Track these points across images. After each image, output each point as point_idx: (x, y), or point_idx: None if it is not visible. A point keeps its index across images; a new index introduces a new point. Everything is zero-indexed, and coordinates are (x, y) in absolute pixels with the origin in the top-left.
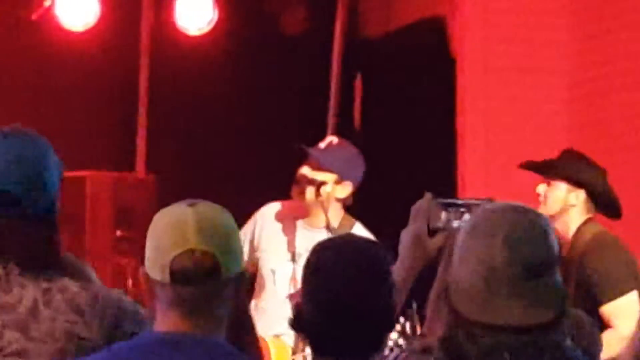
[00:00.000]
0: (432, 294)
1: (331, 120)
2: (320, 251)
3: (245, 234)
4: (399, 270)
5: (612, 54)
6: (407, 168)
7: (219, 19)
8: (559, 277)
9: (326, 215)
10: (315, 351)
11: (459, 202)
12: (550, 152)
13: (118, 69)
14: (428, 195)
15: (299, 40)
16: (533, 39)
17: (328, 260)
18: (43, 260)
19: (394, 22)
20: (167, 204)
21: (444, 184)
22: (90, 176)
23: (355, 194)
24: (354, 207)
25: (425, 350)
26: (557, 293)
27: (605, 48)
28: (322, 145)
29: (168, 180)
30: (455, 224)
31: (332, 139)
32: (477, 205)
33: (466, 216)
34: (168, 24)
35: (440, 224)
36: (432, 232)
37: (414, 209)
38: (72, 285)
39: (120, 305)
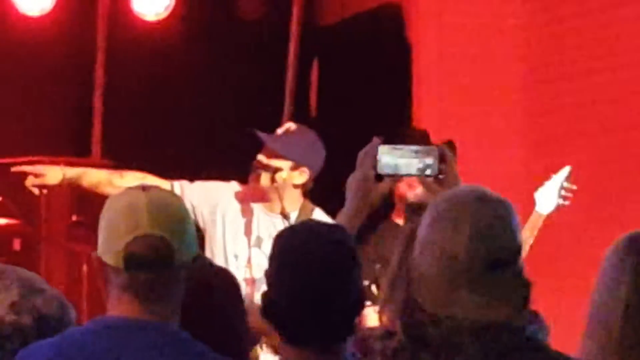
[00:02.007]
0: (385, 281)
1: (287, 106)
2: (283, 238)
3: (217, 188)
4: (346, 215)
5: (566, 40)
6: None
7: (176, 3)
8: (520, 265)
9: (281, 202)
10: (284, 339)
11: (406, 147)
12: (507, 139)
13: (75, 54)
14: (375, 141)
15: (255, 26)
16: (488, 26)
17: (292, 247)
18: None
19: (351, 9)
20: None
21: None
22: (46, 161)
23: (315, 179)
24: (313, 193)
25: (388, 335)
26: (519, 284)
27: (560, 34)
28: (279, 131)
29: (124, 165)
30: (402, 169)
31: (290, 125)
32: (425, 150)
33: (412, 161)
34: (125, 9)
35: (387, 170)
36: (379, 177)
37: (361, 153)
38: None
39: (26, 283)
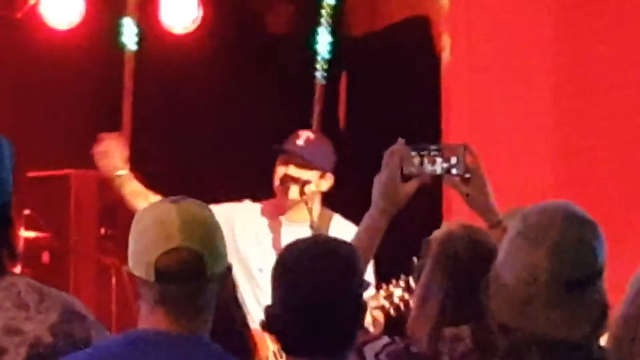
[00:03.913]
0: (419, 288)
1: (316, 120)
2: (288, 252)
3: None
4: (372, 217)
5: (596, 51)
6: None
7: (204, 17)
8: (601, 287)
9: (310, 214)
10: (286, 352)
11: (433, 147)
12: (537, 151)
13: (102, 67)
14: (401, 141)
15: (284, 39)
16: (517, 38)
17: (296, 261)
18: None
19: (379, 21)
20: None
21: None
22: (75, 175)
23: (341, 191)
24: (340, 204)
25: (457, 338)
26: (596, 306)
27: (590, 46)
28: (299, 142)
29: (152, 178)
30: (429, 169)
31: (307, 133)
32: (451, 149)
33: (439, 161)
34: (153, 22)
35: (413, 170)
36: (405, 178)
37: (386, 154)
38: (21, 283)
39: (67, 307)
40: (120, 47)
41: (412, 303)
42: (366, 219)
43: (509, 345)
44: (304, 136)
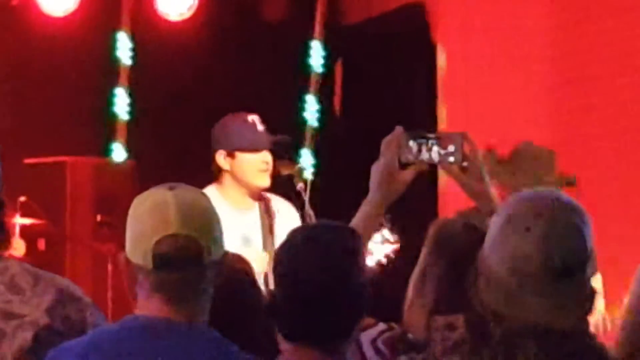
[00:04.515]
0: (414, 277)
1: (312, 106)
2: (289, 238)
3: None
4: (370, 204)
5: (593, 40)
6: None
7: (199, 3)
8: (589, 272)
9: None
10: (286, 337)
11: (430, 135)
12: (532, 139)
13: (98, 54)
14: (398, 129)
15: (279, 26)
16: (513, 26)
17: (296, 247)
18: None
19: (374, 8)
20: (147, 190)
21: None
22: (71, 162)
23: (338, 179)
24: (336, 193)
25: (450, 327)
26: (585, 292)
27: (587, 34)
28: (260, 127)
29: (148, 166)
30: (426, 157)
31: (253, 117)
32: (448, 137)
33: (435, 149)
34: (148, 9)
35: (410, 157)
36: (403, 165)
37: (384, 142)
38: (15, 267)
39: (61, 289)
40: (116, 35)
41: (392, 255)
42: (363, 206)
43: (501, 334)
44: (254, 119)
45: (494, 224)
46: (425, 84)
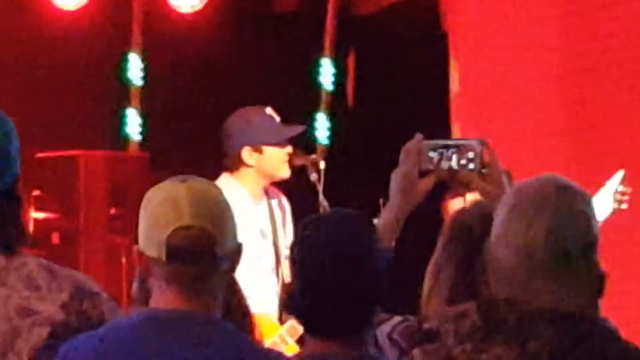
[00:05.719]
0: (431, 267)
1: (325, 97)
2: (306, 229)
3: None
4: (390, 212)
5: (603, 29)
6: (400, 144)
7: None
8: (596, 256)
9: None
10: (307, 330)
11: (449, 142)
12: (543, 128)
13: (111, 47)
14: (418, 137)
15: (292, 17)
16: (523, 15)
17: (313, 237)
18: (4, 237)
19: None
20: (160, 182)
21: None
22: (84, 155)
23: (352, 170)
24: (350, 187)
25: (462, 316)
26: (594, 275)
27: (597, 23)
28: (277, 118)
29: (162, 158)
30: (445, 165)
31: (269, 109)
32: (467, 145)
33: (455, 157)
34: (160, 2)
35: (430, 166)
36: (422, 174)
37: (403, 150)
38: (32, 263)
39: (78, 285)
40: (128, 27)
41: None
42: (384, 213)
43: (514, 319)
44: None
45: (499, 214)
46: (437, 73)
